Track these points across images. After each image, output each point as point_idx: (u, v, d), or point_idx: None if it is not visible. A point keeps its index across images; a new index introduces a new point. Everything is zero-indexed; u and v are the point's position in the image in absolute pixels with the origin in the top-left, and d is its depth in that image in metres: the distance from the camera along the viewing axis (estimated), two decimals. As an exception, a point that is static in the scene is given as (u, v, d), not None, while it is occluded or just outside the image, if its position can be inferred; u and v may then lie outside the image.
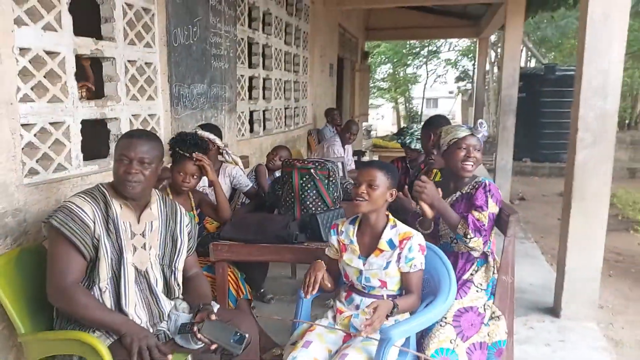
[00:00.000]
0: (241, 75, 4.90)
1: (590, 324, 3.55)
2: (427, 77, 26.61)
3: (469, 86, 23.46)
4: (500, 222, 2.46)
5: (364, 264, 2.22)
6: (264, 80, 5.63)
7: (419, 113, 26.09)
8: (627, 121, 18.10)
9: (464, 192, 2.52)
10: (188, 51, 3.76)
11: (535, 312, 3.76)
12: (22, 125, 2.29)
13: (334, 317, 2.33)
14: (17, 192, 2.24)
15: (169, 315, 2.17)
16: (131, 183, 2.01)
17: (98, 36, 2.87)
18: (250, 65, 5.23)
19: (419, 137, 3.59)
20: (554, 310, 3.71)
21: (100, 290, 1.99)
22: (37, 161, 2.42)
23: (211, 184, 3.01)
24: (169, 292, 2.20)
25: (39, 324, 2.06)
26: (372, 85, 25.65)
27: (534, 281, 4.39)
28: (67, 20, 2.56)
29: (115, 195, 2.06)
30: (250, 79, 5.27)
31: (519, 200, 8.38)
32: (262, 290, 3.95)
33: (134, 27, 3.12)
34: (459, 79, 25.55)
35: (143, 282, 2.10)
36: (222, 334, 1.97)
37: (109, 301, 2.00)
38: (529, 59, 19.45)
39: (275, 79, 5.91)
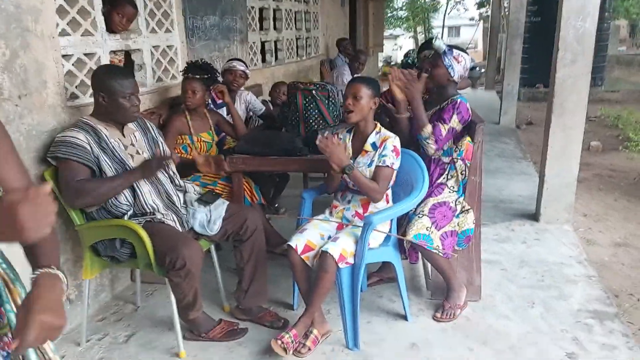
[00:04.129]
0: (251, 7, 5.21)
1: (566, 227, 3.98)
2: (447, 4, 25.99)
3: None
4: (471, 131, 2.84)
5: (353, 163, 2.65)
6: (274, 11, 5.91)
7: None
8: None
9: (442, 106, 2.90)
10: (200, -15, 4.09)
11: (518, 218, 4.20)
12: (62, 56, 2.72)
13: (330, 212, 2.80)
14: (63, 113, 2.70)
15: (186, 208, 2.67)
16: (136, 112, 2.50)
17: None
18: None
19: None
20: (534, 216, 4.15)
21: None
22: (76, 87, 2.86)
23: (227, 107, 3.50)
24: (172, 181, 2.70)
25: (88, 219, 2.57)
26: (390, 15, 25.20)
27: (523, 193, 4.81)
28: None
29: (98, 122, 2.49)
30: (261, 10, 5.56)
31: (526, 125, 8.62)
32: (276, 205, 4.46)
33: (150, -36, 3.47)
34: (480, 4, 24.94)
35: (150, 178, 2.58)
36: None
37: (128, 198, 2.48)
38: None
39: (286, 10, 6.18)
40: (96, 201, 2.42)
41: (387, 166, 2.56)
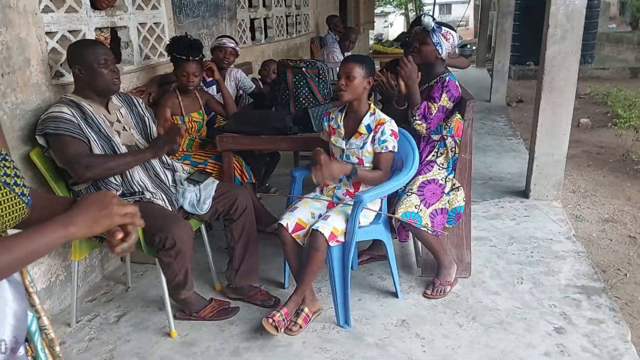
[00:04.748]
0: (240, -16, 5.13)
1: (555, 203, 4.00)
2: (438, -19, 25.76)
3: (481, -10, 22.75)
4: (461, 109, 2.83)
5: (346, 144, 2.64)
6: (263, -12, 5.82)
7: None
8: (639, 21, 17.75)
9: (430, 84, 2.88)
10: (187, -39, 4.01)
11: (508, 195, 4.22)
12: (46, 33, 2.66)
13: (321, 190, 2.79)
14: (48, 91, 2.65)
15: (175, 187, 2.64)
16: (116, 81, 2.45)
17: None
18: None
19: None
20: (524, 193, 4.18)
21: None
22: (61, 65, 2.81)
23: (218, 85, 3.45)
24: (160, 160, 2.66)
25: (78, 198, 2.54)
26: (380, -9, 24.95)
27: (512, 171, 4.83)
28: None
29: (82, 98, 2.45)
30: (250, -13, 5.48)
31: (516, 103, 8.63)
32: (267, 184, 4.45)
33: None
34: (470, -19, 24.72)
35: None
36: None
37: (116, 177, 2.46)
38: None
39: (275, -13, 6.09)
40: (105, 175, 2.40)
41: (390, 151, 2.56)
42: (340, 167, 2.52)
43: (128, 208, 1.08)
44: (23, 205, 1.04)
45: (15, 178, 1.03)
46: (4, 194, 1.00)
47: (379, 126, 2.57)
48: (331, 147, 2.74)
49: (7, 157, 1.04)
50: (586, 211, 4.20)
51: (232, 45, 3.88)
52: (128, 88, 3.30)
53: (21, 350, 1.03)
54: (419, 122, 2.74)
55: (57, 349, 1.16)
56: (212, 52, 3.89)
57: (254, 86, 4.19)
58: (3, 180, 0.99)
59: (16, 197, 1.02)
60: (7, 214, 1.01)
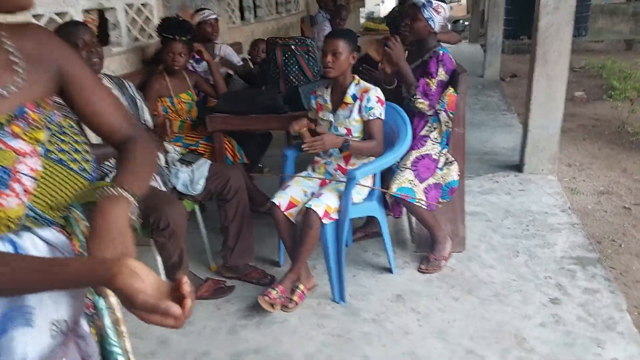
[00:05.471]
0: (228, -38, 5.05)
1: (550, 177, 4.00)
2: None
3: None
4: (454, 82, 2.80)
5: (333, 117, 2.62)
6: (252, -34, 5.74)
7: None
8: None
9: (424, 59, 2.85)
10: (173, -61, 3.93)
11: (502, 169, 4.22)
12: (33, 16, 2.61)
13: (313, 168, 2.78)
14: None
15: (168, 168, 2.63)
16: (97, 62, 2.39)
17: None
18: (236, -48, 5.34)
19: None
20: (518, 167, 4.17)
21: None
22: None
23: (208, 64, 3.41)
24: None
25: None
26: (372, -31, 24.65)
27: (507, 145, 4.82)
28: None
29: None
30: (238, -35, 5.39)
31: (510, 78, 8.57)
32: (259, 165, 4.43)
33: None
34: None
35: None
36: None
37: (110, 161, 2.43)
38: None
39: (264, -35, 6.00)
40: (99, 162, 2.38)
41: (378, 118, 2.54)
42: (331, 138, 2.51)
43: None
44: (83, 181, 0.97)
45: (74, 153, 0.95)
46: (57, 171, 0.91)
47: (364, 94, 2.56)
48: (319, 122, 2.73)
49: (65, 131, 0.95)
50: (582, 184, 4.19)
51: (214, 16, 3.85)
52: (118, 70, 3.26)
53: (85, 328, 1.00)
54: (421, 100, 2.71)
55: (123, 328, 1.13)
56: (198, 28, 3.83)
57: (242, 63, 4.16)
58: (55, 156, 0.91)
59: (73, 173, 0.94)
60: (67, 191, 0.93)
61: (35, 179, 0.88)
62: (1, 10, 0.85)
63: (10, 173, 0.84)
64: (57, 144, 0.92)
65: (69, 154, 0.94)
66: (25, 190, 0.86)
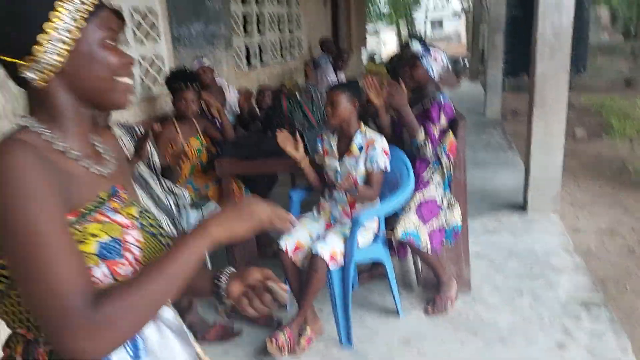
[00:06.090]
0: (235, 12, 5.24)
1: (553, 216, 4.05)
2: (429, -2, 26.19)
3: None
4: (454, 127, 2.89)
5: (339, 164, 2.71)
6: (257, 15, 5.94)
7: (423, 36, 25.85)
8: (632, 32, 17.96)
9: (424, 105, 2.95)
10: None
11: (505, 209, 4.27)
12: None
13: (318, 211, 2.85)
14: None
15: (178, 211, 2.70)
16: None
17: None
18: (243, 2, 5.55)
19: None
20: (522, 206, 4.22)
21: None
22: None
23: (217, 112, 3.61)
24: (160, 185, 2.71)
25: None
26: (372, 11, 25.30)
27: (509, 184, 4.88)
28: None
29: None
30: (244, 15, 5.59)
31: (511, 115, 8.70)
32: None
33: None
34: (462, -3, 25.09)
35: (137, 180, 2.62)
36: None
37: None
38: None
39: (269, 14, 6.21)
40: None
41: (380, 170, 2.62)
42: (351, 181, 2.60)
43: (272, 207, 1.02)
44: None
45: (159, 228, 1.03)
46: (154, 243, 1.00)
47: (370, 145, 2.65)
48: (326, 169, 2.81)
49: (147, 210, 1.04)
50: (584, 223, 4.23)
51: (207, 63, 4.04)
52: (131, 119, 3.37)
53: None
54: (428, 145, 2.79)
55: None
56: (200, 75, 3.95)
57: (238, 112, 4.36)
58: (148, 230, 1.00)
59: (163, 246, 1.02)
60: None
61: (141, 249, 0.96)
62: (100, 108, 0.97)
63: (121, 243, 0.92)
64: (147, 219, 1.02)
65: (156, 228, 1.03)
66: (135, 259, 0.95)
